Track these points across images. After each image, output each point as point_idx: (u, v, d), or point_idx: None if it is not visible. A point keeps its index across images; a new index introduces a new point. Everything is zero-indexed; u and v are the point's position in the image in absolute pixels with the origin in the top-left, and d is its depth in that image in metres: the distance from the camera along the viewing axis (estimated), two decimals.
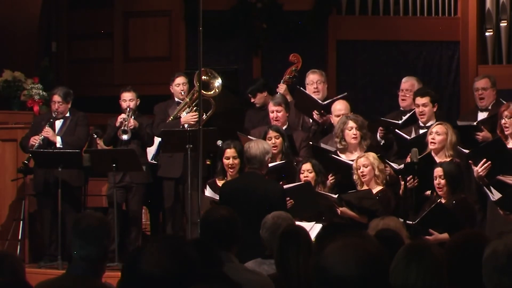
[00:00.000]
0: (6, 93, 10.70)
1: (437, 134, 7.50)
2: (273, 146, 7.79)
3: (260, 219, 5.45)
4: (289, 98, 9.21)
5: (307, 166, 7.73)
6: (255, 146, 6.93)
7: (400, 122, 8.37)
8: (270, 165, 7.25)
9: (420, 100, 8.08)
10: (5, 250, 7.77)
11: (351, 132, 7.80)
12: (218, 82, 8.99)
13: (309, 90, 8.95)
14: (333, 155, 7.82)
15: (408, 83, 8.78)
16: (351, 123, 7.80)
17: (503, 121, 7.47)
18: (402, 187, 7.38)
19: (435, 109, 8.12)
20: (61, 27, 12.42)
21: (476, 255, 2.93)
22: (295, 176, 7.78)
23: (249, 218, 5.62)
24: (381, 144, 8.47)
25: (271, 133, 8.06)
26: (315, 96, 8.85)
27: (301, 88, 9.04)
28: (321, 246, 2.52)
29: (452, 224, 6.67)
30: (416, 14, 11.78)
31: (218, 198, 7.35)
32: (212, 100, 8.94)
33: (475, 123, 8.25)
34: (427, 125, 7.97)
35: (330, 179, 7.81)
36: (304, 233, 4.89)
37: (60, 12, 12.43)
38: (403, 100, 8.72)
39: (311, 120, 8.99)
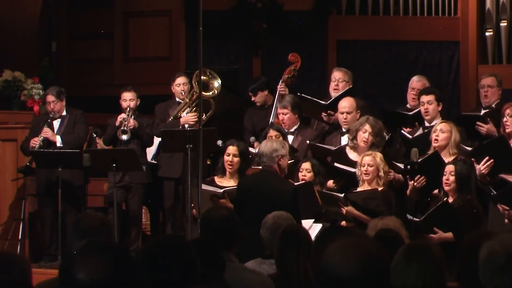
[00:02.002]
0: (6, 93, 10.70)
1: (442, 132, 7.49)
2: None
3: None
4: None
5: (306, 165, 7.68)
6: (265, 144, 6.97)
7: (410, 113, 8.36)
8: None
9: (425, 98, 8.09)
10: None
11: (364, 135, 7.63)
12: (217, 82, 8.96)
13: (331, 86, 8.91)
14: (335, 164, 7.70)
15: (420, 83, 8.74)
16: (367, 127, 7.63)
17: (504, 119, 7.46)
18: (410, 187, 7.36)
19: (440, 108, 8.11)
20: (61, 27, 12.42)
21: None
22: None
23: (258, 216, 5.58)
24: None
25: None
26: (334, 94, 8.82)
27: (302, 94, 8.96)
28: (321, 247, 2.52)
29: (456, 223, 6.69)
30: (416, 14, 11.77)
31: (217, 191, 7.37)
32: (211, 100, 8.93)
33: (481, 113, 8.19)
34: (431, 124, 7.97)
35: (333, 185, 7.73)
36: (304, 233, 4.89)
37: (60, 12, 12.42)
38: (414, 99, 8.64)
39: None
